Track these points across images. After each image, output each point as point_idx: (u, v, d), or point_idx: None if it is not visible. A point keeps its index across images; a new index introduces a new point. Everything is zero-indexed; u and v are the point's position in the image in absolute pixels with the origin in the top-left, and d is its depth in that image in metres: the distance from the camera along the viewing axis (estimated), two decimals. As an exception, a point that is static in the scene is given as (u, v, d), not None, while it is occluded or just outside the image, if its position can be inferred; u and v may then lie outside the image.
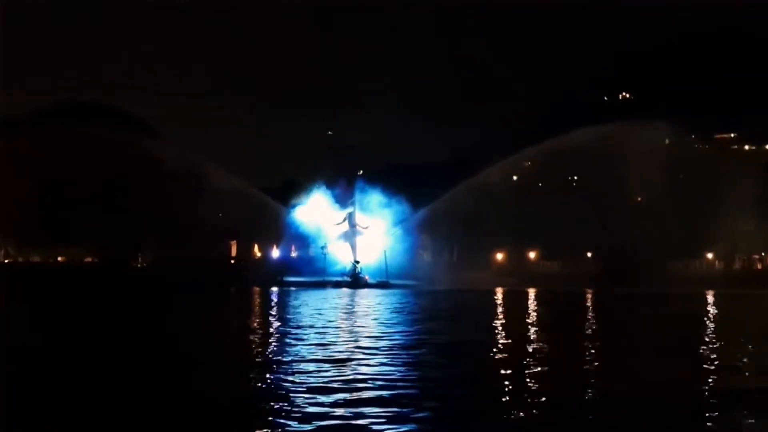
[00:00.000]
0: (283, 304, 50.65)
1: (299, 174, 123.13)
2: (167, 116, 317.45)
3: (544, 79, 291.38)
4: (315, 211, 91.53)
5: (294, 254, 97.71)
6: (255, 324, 36.19)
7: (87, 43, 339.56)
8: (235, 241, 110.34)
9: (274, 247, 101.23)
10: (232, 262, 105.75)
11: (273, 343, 27.05)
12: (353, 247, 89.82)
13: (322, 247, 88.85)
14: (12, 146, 76.61)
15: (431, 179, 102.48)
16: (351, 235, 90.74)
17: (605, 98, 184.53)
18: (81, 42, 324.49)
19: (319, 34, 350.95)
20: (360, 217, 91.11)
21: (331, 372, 19.37)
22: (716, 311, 49.44)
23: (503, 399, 16.48)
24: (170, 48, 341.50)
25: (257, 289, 70.55)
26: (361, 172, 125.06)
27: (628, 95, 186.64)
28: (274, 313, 43.68)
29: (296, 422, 13.70)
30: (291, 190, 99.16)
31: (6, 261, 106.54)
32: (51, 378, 18.65)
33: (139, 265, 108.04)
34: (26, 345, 25.66)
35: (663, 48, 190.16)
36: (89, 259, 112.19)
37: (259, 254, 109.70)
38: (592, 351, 25.81)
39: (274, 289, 72.65)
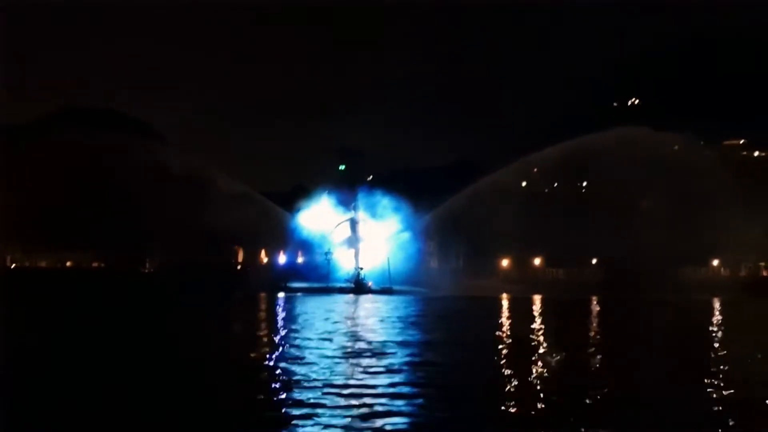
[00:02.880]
0: (284, 310, 50.78)
1: (310, 179, 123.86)
2: (172, 120, 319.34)
3: (551, 84, 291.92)
4: (319, 217, 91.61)
5: (300, 260, 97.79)
6: (254, 328, 36.33)
7: (92, 48, 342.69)
8: (241, 247, 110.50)
9: (281, 252, 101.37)
10: (238, 267, 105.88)
11: (271, 347, 27.18)
12: (357, 254, 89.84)
13: (326, 253, 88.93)
14: (19, 152, 76.99)
15: (435, 184, 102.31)
16: (354, 241, 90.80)
17: (614, 104, 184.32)
18: (85, 46, 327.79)
19: (320, 35, 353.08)
20: (362, 217, 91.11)
21: (328, 377, 19.51)
22: (720, 318, 49.23)
23: (503, 402, 16.56)
24: (172, 52, 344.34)
25: (262, 294, 70.62)
26: (371, 177, 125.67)
27: (636, 101, 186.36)
28: (274, 318, 43.80)
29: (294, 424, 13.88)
30: (300, 194, 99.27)
31: (13, 266, 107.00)
32: (52, 378, 18.88)
33: (145, 270, 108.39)
34: (27, 346, 25.96)
35: (671, 54, 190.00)
36: (96, 264, 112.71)
37: (265, 260, 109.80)
38: (593, 356, 25.86)
39: (280, 294, 72.76)
